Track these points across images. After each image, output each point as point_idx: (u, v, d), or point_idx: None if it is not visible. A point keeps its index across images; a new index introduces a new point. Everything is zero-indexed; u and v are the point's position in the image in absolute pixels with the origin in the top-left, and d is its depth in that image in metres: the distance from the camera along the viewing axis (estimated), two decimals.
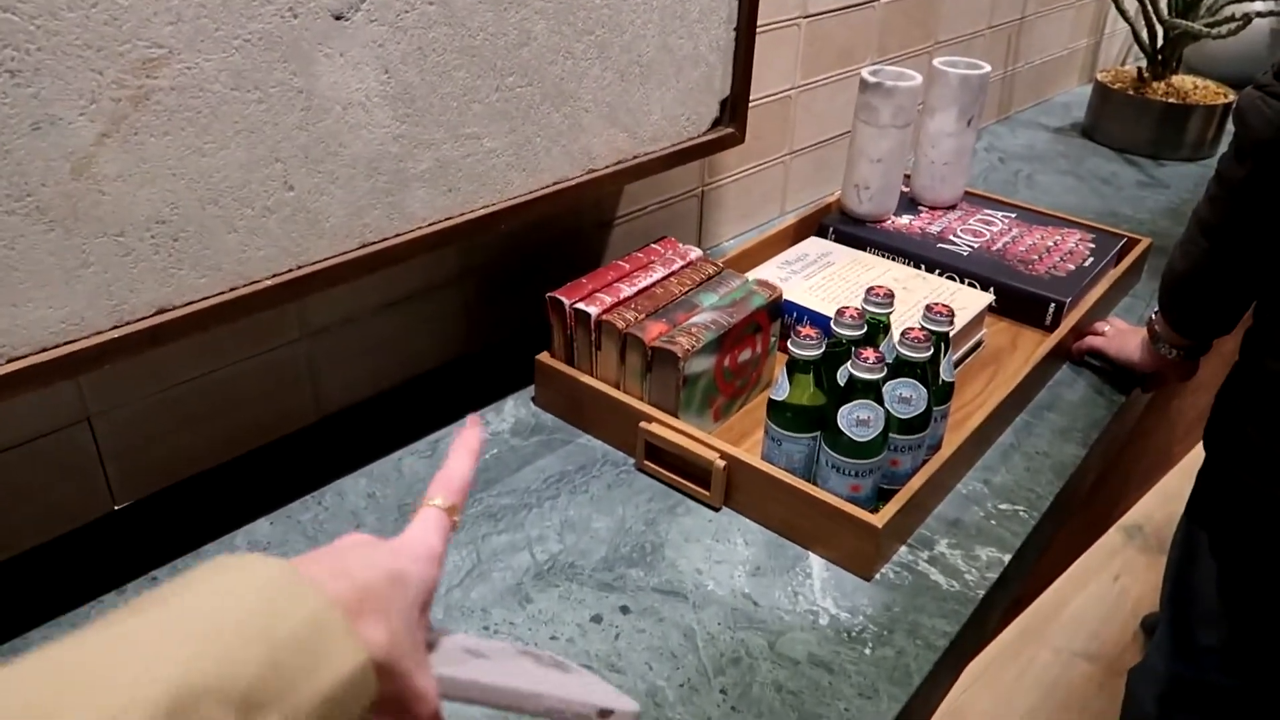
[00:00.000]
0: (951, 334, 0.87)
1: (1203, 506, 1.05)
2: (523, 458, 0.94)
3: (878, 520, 0.79)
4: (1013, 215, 1.36)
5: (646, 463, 0.92)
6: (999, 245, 1.27)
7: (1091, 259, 1.24)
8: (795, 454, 0.84)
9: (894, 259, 1.24)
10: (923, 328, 0.84)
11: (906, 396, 0.82)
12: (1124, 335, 1.11)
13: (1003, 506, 0.91)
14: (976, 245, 1.27)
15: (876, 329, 0.87)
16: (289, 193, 0.71)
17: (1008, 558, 0.85)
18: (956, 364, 1.08)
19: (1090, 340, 1.12)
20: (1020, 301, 1.17)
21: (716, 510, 0.89)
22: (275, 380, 0.93)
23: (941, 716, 1.60)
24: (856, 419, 0.78)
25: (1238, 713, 1.11)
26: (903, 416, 0.82)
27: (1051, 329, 1.14)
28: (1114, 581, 1.95)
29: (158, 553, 0.81)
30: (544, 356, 0.99)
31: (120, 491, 0.85)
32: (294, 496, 0.88)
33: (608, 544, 0.84)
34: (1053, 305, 1.15)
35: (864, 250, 1.26)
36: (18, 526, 0.80)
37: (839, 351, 0.84)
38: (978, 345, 1.12)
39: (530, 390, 1.03)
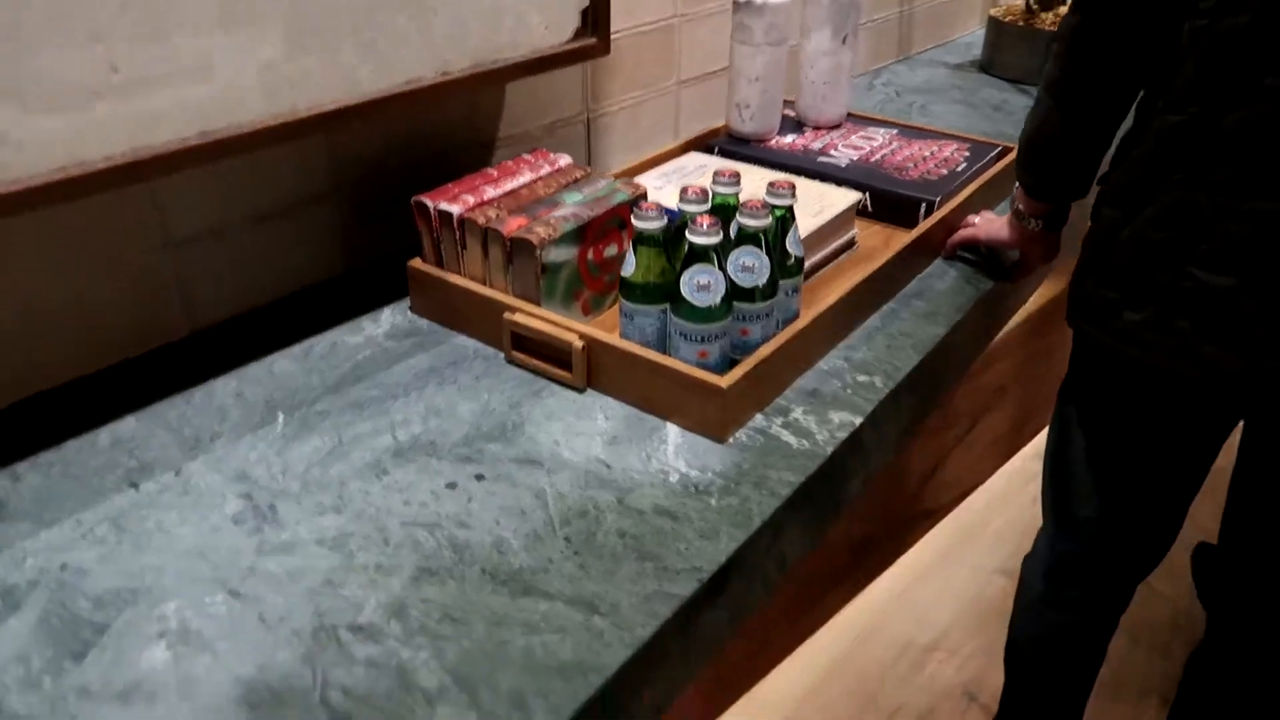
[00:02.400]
0: (799, 211, 0.90)
1: (1070, 382, 1.09)
2: (394, 357, 0.96)
3: (723, 382, 0.82)
4: (894, 131, 1.40)
5: (514, 353, 0.94)
6: (877, 157, 1.31)
7: (965, 164, 1.28)
8: (647, 327, 0.86)
9: (774, 171, 1.28)
10: (763, 201, 0.86)
11: (749, 265, 0.85)
12: (992, 221, 1.15)
13: (860, 378, 0.94)
14: (855, 157, 1.30)
15: (726, 210, 0.90)
16: (115, 75, 0.73)
17: (859, 420, 0.88)
18: (827, 262, 1.11)
19: (961, 232, 1.16)
20: (892, 204, 1.20)
21: (580, 391, 0.91)
22: (142, 293, 0.94)
23: (859, 633, 1.64)
24: (697, 284, 0.81)
25: (1116, 580, 1.16)
26: (745, 285, 0.85)
27: None
28: (1033, 503, 2.00)
29: (17, 452, 0.82)
30: (415, 262, 1.01)
31: None
32: (162, 397, 0.89)
33: (470, 425, 0.86)
34: (923, 205, 1.18)
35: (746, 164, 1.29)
36: None
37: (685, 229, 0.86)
38: (850, 244, 1.16)
39: (408, 301, 1.05)
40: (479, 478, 0.80)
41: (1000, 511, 1.96)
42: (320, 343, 0.98)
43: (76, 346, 0.91)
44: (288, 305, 1.05)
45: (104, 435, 0.84)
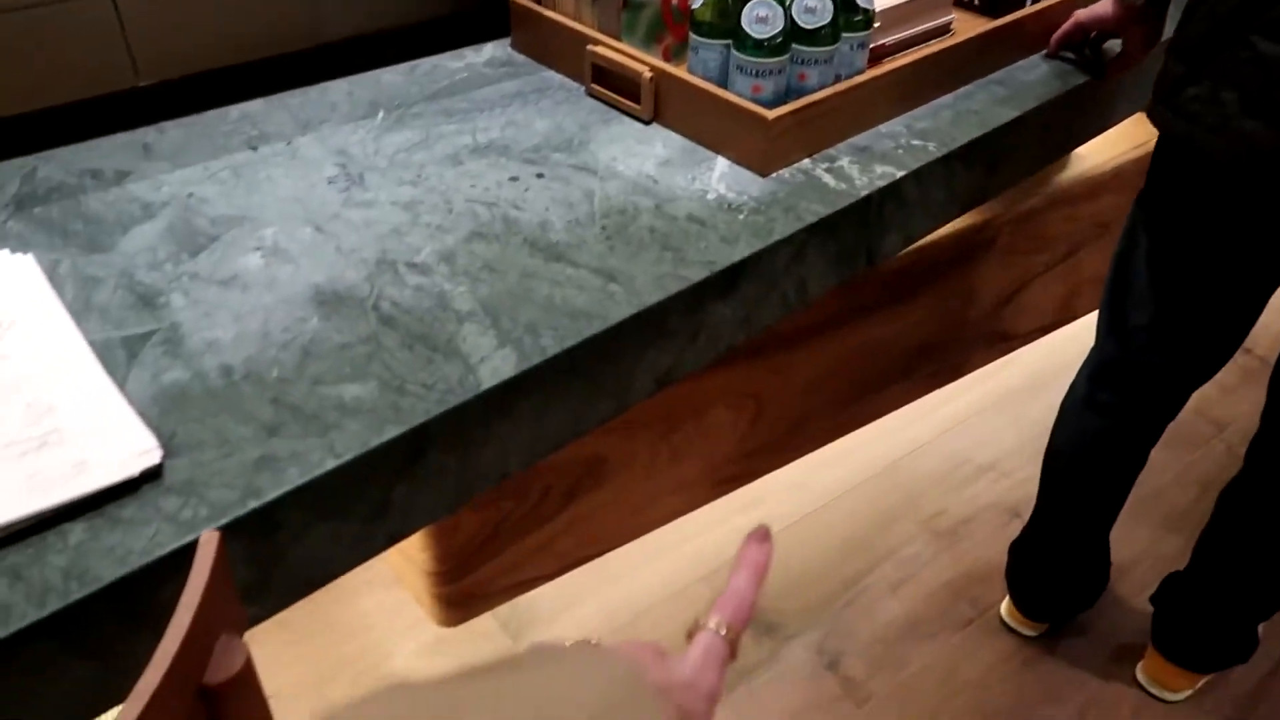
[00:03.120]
0: None
1: (1144, 187, 1.09)
2: (487, 81, 1.06)
3: (770, 114, 0.87)
4: None
5: (593, 85, 1.02)
6: None
7: None
8: (710, 62, 0.92)
9: None
10: None
11: (812, 7, 0.89)
12: (1098, 3, 1.12)
13: (915, 143, 0.98)
14: None
15: None
16: None
17: (901, 174, 0.93)
18: (915, 42, 1.12)
19: (1064, 25, 1.14)
20: None
21: (646, 123, 0.98)
22: (280, 2, 1.06)
23: (915, 445, 1.70)
24: (756, 16, 0.86)
25: (1162, 390, 1.18)
26: (806, 26, 0.89)
27: None
28: None
29: (164, 114, 0.97)
30: None
31: None
32: (286, 89, 1.02)
33: (541, 137, 0.96)
34: None
35: None
36: None
37: None
38: (944, 30, 1.16)
39: (510, 38, 1.13)
40: (539, 175, 0.90)
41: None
42: (425, 64, 1.09)
43: (222, 39, 1.04)
44: (403, 33, 1.15)
45: (235, 111, 0.98)
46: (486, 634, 1.45)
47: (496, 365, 0.68)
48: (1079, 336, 1.94)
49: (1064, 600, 1.44)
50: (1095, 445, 1.25)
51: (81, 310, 0.71)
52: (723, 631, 0.43)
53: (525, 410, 0.71)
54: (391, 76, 1.06)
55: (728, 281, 0.80)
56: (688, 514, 1.41)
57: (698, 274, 0.78)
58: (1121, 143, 1.62)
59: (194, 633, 0.49)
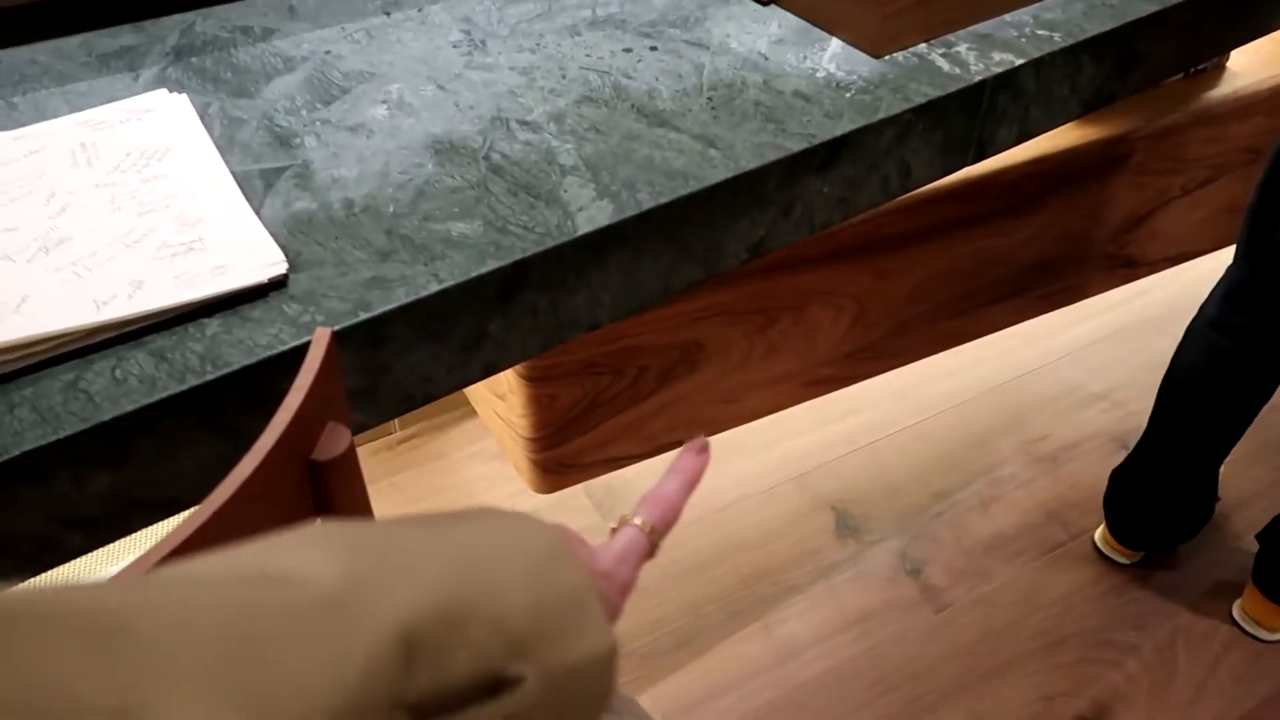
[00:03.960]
0: None
1: None
2: None
3: None
4: None
5: None
6: None
7: None
8: None
9: None
10: None
11: None
12: None
13: (1040, 33, 0.95)
14: None
15: None
16: None
17: (1020, 61, 0.90)
18: None
19: None
20: None
21: (764, 4, 0.99)
22: None
23: (1028, 368, 1.66)
24: None
25: None
26: None
27: None
28: None
29: None
30: None
31: None
32: None
33: (658, 13, 0.98)
34: None
35: None
36: None
37: None
38: None
39: None
40: (652, 49, 0.92)
41: None
42: None
43: None
44: None
45: None
46: (580, 509, 1.53)
47: (593, 214, 0.72)
48: (1215, 271, 1.85)
49: (1164, 529, 1.41)
50: (1221, 370, 1.21)
51: (227, 145, 0.78)
52: (646, 530, 0.45)
53: (617, 261, 0.74)
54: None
55: (827, 156, 0.81)
56: (780, 411, 1.43)
57: (796, 145, 0.79)
58: None
59: (303, 412, 0.56)
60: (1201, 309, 1.21)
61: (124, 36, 0.93)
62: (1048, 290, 1.57)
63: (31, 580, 0.63)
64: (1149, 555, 1.41)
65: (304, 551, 0.30)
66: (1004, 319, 1.57)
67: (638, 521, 0.46)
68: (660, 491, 0.48)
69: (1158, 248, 1.63)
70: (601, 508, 1.51)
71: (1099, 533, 1.42)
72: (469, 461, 1.63)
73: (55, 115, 0.80)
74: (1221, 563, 1.42)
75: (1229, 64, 1.53)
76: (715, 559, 1.43)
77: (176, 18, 0.97)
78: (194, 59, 0.90)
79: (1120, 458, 1.44)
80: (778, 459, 1.53)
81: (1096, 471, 1.50)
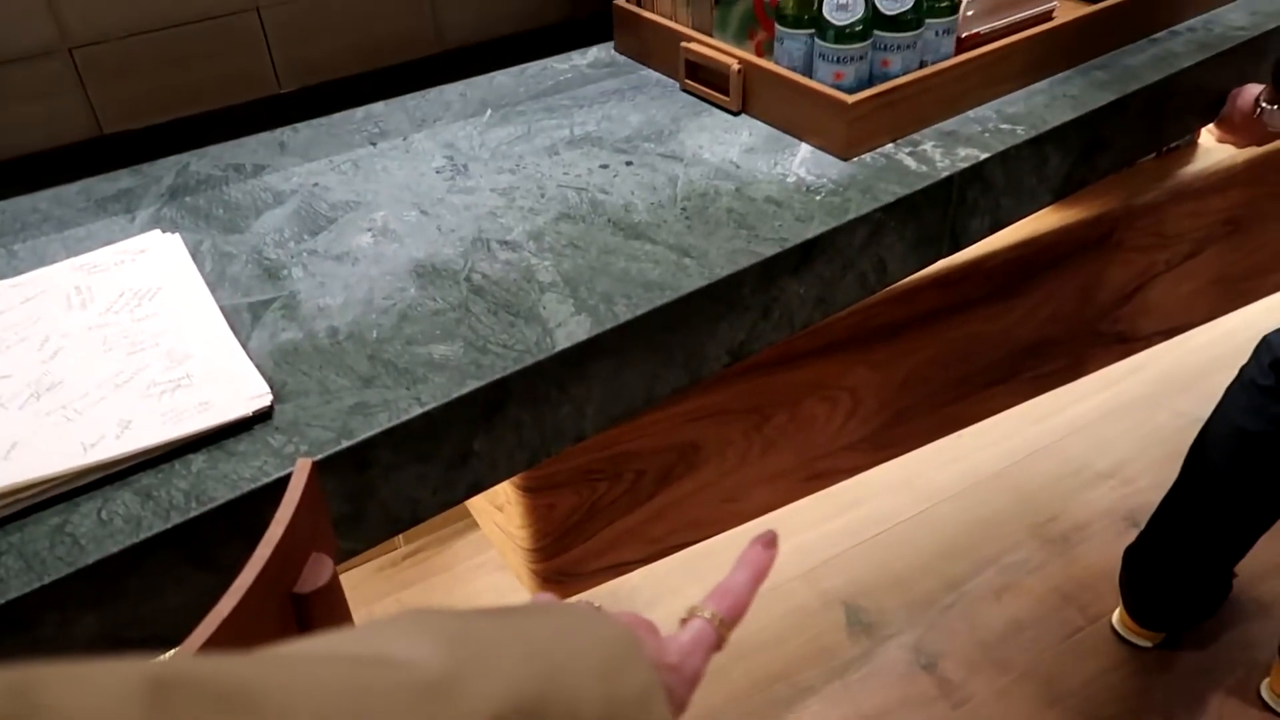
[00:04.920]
0: None
1: None
2: (589, 80, 1.12)
3: (850, 99, 0.90)
4: None
5: (687, 81, 1.06)
6: None
7: None
8: (795, 52, 0.95)
9: None
10: None
11: None
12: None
13: (1004, 126, 0.98)
14: None
15: None
16: None
17: (985, 155, 0.93)
18: (1014, 30, 1.12)
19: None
20: None
21: (735, 114, 1.02)
22: (405, 12, 1.15)
23: (1031, 449, 1.64)
24: (837, 4, 0.89)
25: None
26: (889, 13, 0.91)
27: None
28: None
29: (300, 115, 1.07)
30: (620, 1, 1.15)
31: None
32: (406, 92, 1.11)
33: (633, 129, 1.01)
34: None
35: None
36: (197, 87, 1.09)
37: None
38: (1046, 17, 1.15)
39: (613, 42, 1.19)
40: (628, 164, 0.95)
41: (1224, 365, 1.85)
42: (534, 67, 1.16)
43: (353, 49, 1.14)
44: (515, 40, 1.23)
45: (360, 112, 1.08)
46: None
47: (571, 329, 0.73)
48: (1212, 341, 1.85)
49: (1184, 609, 1.37)
50: (1266, 436, 1.16)
51: (217, 281, 0.81)
52: (715, 622, 0.45)
53: (598, 373, 0.75)
54: (502, 78, 1.14)
55: (800, 257, 0.83)
56: (782, 508, 1.43)
57: (770, 249, 0.81)
58: None
59: (285, 545, 0.56)
60: (1243, 370, 1.18)
61: (122, 180, 0.97)
62: (1043, 371, 1.58)
63: None
64: (1170, 636, 1.37)
65: (408, 637, 0.32)
66: (1002, 402, 1.57)
67: (707, 614, 0.46)
68: (729, 584, 0.48)
69: (1150, 322, 1.65)
70: None
71: (1117, 615, 1.39)
72: (475, 573, 1.61)
73: (54, 260, 0.83)
74: (1247, 639, 1.39)
75: (1200, 139, 1.57)
76: (729, 661, 1.40)
77: (173, 159, 1.01)
78: (188, 198, 0.94)
79: (1132, 535, 1.42)
80: (783, 555, 1.50)
81: (1110, 551, 1.48)
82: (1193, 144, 1.58)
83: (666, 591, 1.51)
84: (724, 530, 1.38)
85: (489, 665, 0.32)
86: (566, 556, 1.26)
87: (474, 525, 1.69)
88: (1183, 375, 1.80)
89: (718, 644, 0.46)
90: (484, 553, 1.64)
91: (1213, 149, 1.55)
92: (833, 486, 1.46)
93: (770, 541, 0.50)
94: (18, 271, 0.82)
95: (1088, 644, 1.41)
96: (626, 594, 1.48)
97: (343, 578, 0.62)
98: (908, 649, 1.41)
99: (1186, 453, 1.26)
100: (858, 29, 0.90)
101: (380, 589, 1.60)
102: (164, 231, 0.86)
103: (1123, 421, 1.73)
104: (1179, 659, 1.38)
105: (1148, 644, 1.38)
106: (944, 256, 0.98)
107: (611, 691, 0.35)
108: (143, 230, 0.88)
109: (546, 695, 0.32)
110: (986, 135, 0.96)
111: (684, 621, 0.46)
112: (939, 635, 1.43)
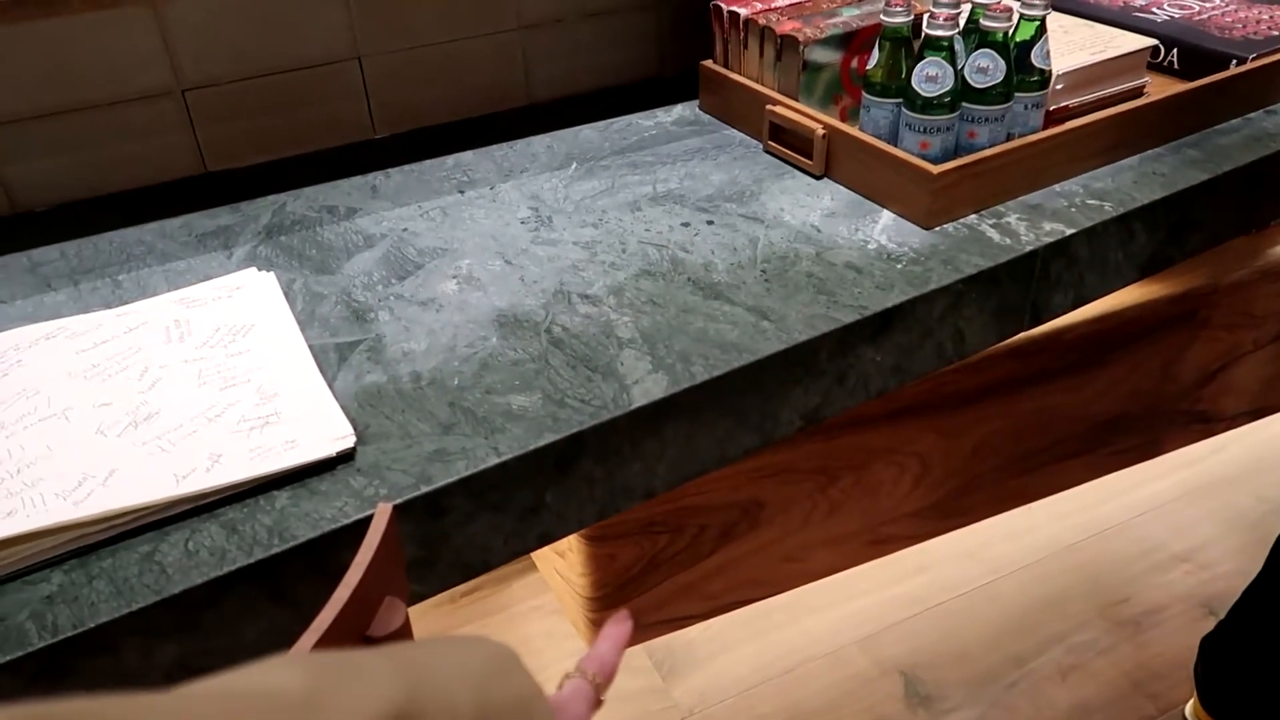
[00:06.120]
0: (1080, 51, 0.93)
1: None
2: (673, 138, 1.14)
3: (935, 169, 0.90)
4: None
5: (770, 143, 1.08)
6: (1203, 16, 1.24)
7: None
8: (881, 120, 0.96)
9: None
10: (1008, 5, 0.91)
11: (984, 67, 0.91)
12: None
13: (1090, 202, 0.97)
14: (1177, 15, 1.25)
15: (976, 17, 0.96)
16: None
17: (1071, 231, 0.92)
18: (1105, 105, 1.11)
19: None
20: (1198, 58, 1.15)
21: (817, 178, 1.03)
22: (498, 63, 1.19)
23: (1103, 526, 1.60)
24: (926, 75, 0.89)
25: None
26: (978, 86, 0.91)
27: None
28: None
29: (392, 161, 1.11)
30: (707, 62, 1.17)
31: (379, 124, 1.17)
32: (495, 142, 1.14)
33: (715, 189, 1.02)
34: (1234, 60, 1.12)
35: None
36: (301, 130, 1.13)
37: None
38: (1136, 93, 1.14)
39: (699, 100, 1.21)
40: (709, 223, 0.96)
41: None
42: (619, 122, 1.19)
43: (446, 99, 1.18)
44: (602, 95, 1.26)
45: (450, 160, 1.11)
46: (641, 669, 1.50)
47: (648, 387, 0.74)
48: None
49: (1264, 703, 1.31)
50: None
51: (307, 320, 0.83)
52: (591, 679, 0.49)
53: (672, 432, 0.76)
54: (589, 132, 1.16)
55: (879, 326, 0.83)
56: (843, 571, 1.40)
57: (848, 316, 0.81)
58: None
59: (362, 589, 0.57)
60: None
61: (222, 216, 1.02)
62: (1119, 447, 1.54)
63: None
64: None
65: (270, 671, 0.34)
66: (1075, 476, 1.53)
67: (586, 675, 0.51)
68: (597, 651, 0.53)
69: (1233, 403, 1.59)
70: (662, 668, 1.47)
71: (1190, 706, 1.34)
72: (531, 615, 1.62)
73: (155, 292, 0.87)
74: None
75: None
76: None
77: (270, 198, 1.05)
78: (283, 237, 0.97)
79: (1208, 623, 1.36)
80: (842, 620, 1.49)
81: (1184, 639, 1.42)
82: None
83: (721, 649, 1.49)
84: (784, 590, 1.36)
85: (356, 681, 0.33)
86: (624, 607, 1.26)
87: (532, 567, 1.70)
88: (1268, 458, 1.73)
89: (596, 701, 0.49)
90: (541, 595, 1.64)
91: None
92: (896, 553, 1.44)
93: (624, 617, 0.55)
94: (123, 301, 0.86)
95: None
96: (682, 648, 1.47)
97: None
98: None
99: (1275, 541, 1.21)
100: (946, 100, 0.90)
101: (435, 628, 1.61)
102: (259, 269, 0.90)
103: (1202, 503, 1.67)
104: None
105: None
106: (1024, 330, 0.97)
107: (488, 695, 0.36)
108: (239, 266, 0.91)
109: (417, 701, 0.33)
110: (1073, 210, 0.95)
111: (563, 681, 0.50)
112: (1001, 713, 1.38)
